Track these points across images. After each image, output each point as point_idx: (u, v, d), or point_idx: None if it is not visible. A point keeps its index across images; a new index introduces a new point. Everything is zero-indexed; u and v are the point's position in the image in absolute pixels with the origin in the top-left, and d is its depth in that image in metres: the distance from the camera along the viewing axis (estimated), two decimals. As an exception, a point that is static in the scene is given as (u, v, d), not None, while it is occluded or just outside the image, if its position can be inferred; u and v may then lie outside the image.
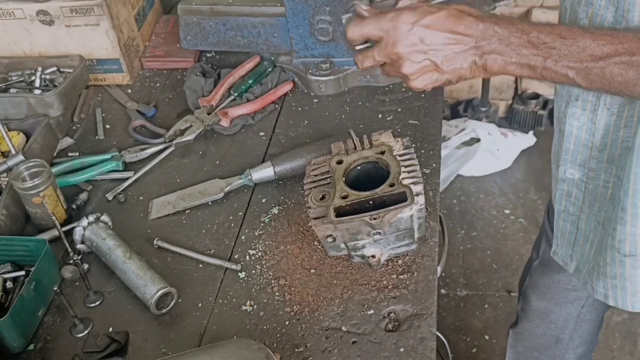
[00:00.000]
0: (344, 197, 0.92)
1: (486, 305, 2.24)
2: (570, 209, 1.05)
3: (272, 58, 1.42)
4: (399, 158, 0.97)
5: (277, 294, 0.98)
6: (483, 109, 2.80)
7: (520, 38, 0.79)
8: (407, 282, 0.97)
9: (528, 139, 2.71)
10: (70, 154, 1.28)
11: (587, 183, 0.99)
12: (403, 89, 1.33)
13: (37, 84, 1.35)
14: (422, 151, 1.18)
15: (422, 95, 1.32)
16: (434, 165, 1.16)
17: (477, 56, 0.81)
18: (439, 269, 1.03)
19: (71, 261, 0.99)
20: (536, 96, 2.85)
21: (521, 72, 0.81)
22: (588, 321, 1.31)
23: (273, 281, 0.99)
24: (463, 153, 2.59)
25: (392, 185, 0.93)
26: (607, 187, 0.97)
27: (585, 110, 0.93)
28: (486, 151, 2.57)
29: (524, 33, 0.79)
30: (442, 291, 2.28)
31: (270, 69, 1.40)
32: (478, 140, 2.62)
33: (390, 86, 1.34)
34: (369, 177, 0.98)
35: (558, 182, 1.03)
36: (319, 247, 1.03)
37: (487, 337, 2.15)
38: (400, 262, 0.99)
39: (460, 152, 2.60)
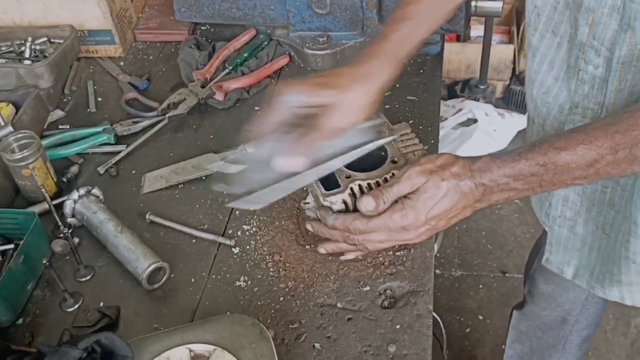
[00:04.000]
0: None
1: (480, 286, 2.24)
2: (567, 214, 1.02)
3: (268, 31, 1.39)
4: (398, 139, 0.94)
5: (271, 269, 0.96)
6: (482, 87, 2.77)
7: (508, 182, 0.80)
8: (404, 258, 0.95)
9: (525, 120, 2.68)
10: (60, 127, 1.25)
11: (585, 187, 0.97)
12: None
13: (27, 54, 1.32)
14: (420, 127, 1.16)
15: (421, 71, 1.30)
16: (432, 141, 1.14)
17: (475, 207, 0.84)
18: (435, 247, 1.02)
19: (61, 235, 0.97)
20: (534, 77, 2.82)
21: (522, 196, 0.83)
22: (595, 304, 1.29)
23: (267, 257, 0.98)
24: (460, 134, 2.57)
25: (394, 162, 0.91)
26: (605, 192, 0.95)
27: (586, 118, 0.91)
28: (483, 132, 2.55)
29: (510, 176, 0.79)
30: (437, 271, 2.27)
31: (266, 43, 1.37)
32: (475, 121, 2.60)
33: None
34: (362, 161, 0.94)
35: None
36: (315, 223, 1.01)
37: (480, 317, 2.15)
38: (397, 238, 0.98)
39: (457, 132, 2.59)
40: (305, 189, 0.92)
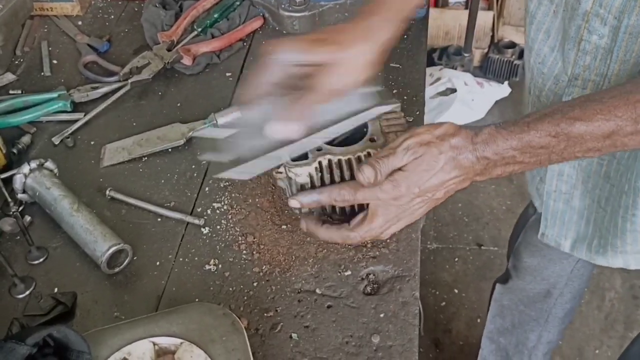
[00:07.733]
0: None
1: (456, 259, 2.21)
2: (562, 188, 0.99)
3: (241, -10, 1.30)
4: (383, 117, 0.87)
5: (244, 252, 0.89)
6: (466, 55, 2.71)
7: (514, 155, 0.74)
8: (388, 240, 0.89)
9: (503, 90, 2.64)
10: (11, 92, 1.16)
11: (580, 159, 0.93)
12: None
13: (-28, 11, 1.21)
14: (405, 97, 1.09)
15: (405, 37, 1.22)
16: (418, 112, 1.07)
17: (475, 179, 0.78)
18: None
19: (11, 213, 0.89)
20: (512, 45, 2.77)
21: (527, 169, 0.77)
22: (580, 276, 1.28)
23: (240, 238, 0.90)
24: (438, 104, 2.51)
25: (372, 140, 0.83)
26: (601, 164, 0.92)
27: (586, 90, 0.87)
28: (461, 102, 2.50)
29: (517, 149, 0.73)
30: (412, 244, 2.23)
31: (238, 3, 1.28)
32: (453, 90, 2.54)
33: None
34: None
35: None
36: (291, 200, 0.93)
37: (456, 290, 2.12)
38: (380, 218, 0.91)
39: (435, 102, 2.52)
40: None
